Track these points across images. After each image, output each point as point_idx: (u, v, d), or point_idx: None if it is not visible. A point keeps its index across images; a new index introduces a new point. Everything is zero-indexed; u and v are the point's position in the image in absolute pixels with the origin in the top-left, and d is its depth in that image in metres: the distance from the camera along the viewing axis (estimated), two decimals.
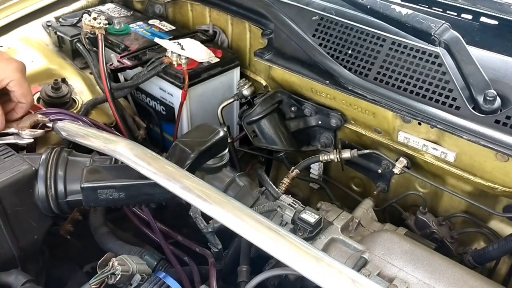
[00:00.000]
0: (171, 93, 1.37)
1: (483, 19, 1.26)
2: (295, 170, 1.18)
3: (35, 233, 1.08)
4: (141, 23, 1.56)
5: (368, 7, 1.10)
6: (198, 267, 1.09)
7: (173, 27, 1.54)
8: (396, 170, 1.13)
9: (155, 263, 1.09)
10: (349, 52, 1.12)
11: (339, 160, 1.19)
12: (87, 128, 1.10)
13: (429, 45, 1.03)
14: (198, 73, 1.34)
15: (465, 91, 0.98)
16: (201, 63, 1.36)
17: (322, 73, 1.14)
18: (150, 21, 1.57)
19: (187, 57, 1.32)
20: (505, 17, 1.23)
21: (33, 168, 1.03)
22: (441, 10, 1.31)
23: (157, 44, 1.39)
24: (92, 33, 1.40)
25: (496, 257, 1.08)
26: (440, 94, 1.00)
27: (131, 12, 1.63)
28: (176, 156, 0.98)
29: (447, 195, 1.16)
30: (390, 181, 1.24)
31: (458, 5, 1.30)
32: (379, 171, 1.20)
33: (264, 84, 1.41)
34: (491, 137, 0.93)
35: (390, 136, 1.14)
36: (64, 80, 1.37)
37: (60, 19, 1.53)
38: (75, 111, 1.35)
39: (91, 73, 1.42)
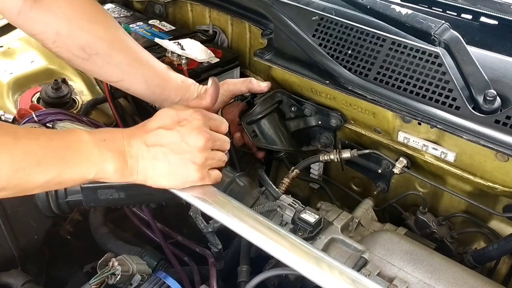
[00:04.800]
0: None
1: (483, 19, 1.26)
2: (295, 170, 1.18)
3: (35, 233, 1.08)
4: (141, 23, 1.56)
5: (368, 7, 1.10)
6: (198, 267, 1.09)
7: (173, 27, 1.54)
8: (396, 170, 1.13)
9: (155, 263, 1.10)
10: (349, 52, 1.12)
11: (339, 160, 1.19)
12: (86, 128, 1.11)
13: (429, 45, 1.03)
14: (198, 73, 1.34)
15: (465, 91, 0.98)
16: (201, 63, 1.36)
17: (322, 73, 1.14)
18: (150, 21, 1.57)
19: (187, 57, 1.32)
20: (505, 17, 1.23)
21: None
22: (441, 10, 1.31)
23: (157, 44, 1.40)
24: None
25: (496, 257, 1.08)
26: (440, 94, 1.00)
27: (131, 12, 1.63)
28: None
29: (447, 195, 1.16)
30: (390, 181, 1.24)
31: (458, 5, 1.29)
32: (379, 171, 1.20)
33: None
34: (491, 137, 0.93)
35: (390, 136, 1.14)
36: (64, 80, 1.37)
37: None
38: (75, 111, 1.35)
39: None
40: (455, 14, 1.30)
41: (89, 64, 1.02)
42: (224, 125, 0.95)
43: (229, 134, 1.27)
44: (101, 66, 1.03)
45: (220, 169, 0.93)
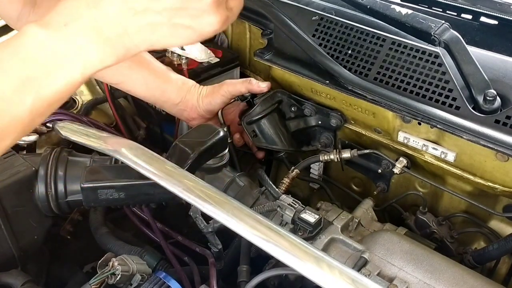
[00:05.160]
0: None
1: (483, 19, 1.26)
2: (295, 170, 1.18)
3: (35, 233, 1.08)
4: None
5: (368, 7, 1.10)
6: (198, 267, 1.09)
7: None
8: (396, 170, 1.13)
9: (155, 263, 1.10)
10: (349, 52, 1.12)
11: (339, 160, 1.19)
12: (87, 128, 1.11)
13: (429, 45, 1.03)
14: (198, 73, 1.34)
15: (465, 91, 0.98)
16: (201, 63, 1.36)
17: (322, 73, 1.14)
18: None
19: (187, 57, 1.32)
20: (505, 17, 1.23)
21: (33, 168, 1.03)
22: (441, 10, 1.31)
23: None
24: None
25: (496, 257, 1.08)
26: (440, 94, 1.00)
27: None
28: (176, 156, 0.98)
29: (447, 195, 1.16)
30: (390, 181, 1.24)
31: (458, 5, 1.29)
32: (379, 171, 1.20)
33: None
34: (491, 137, 0.93)
35: (390, 136, 1.14)
36: None
37: None
38: (75, 111, 1.35)
39: None
40: (455, 14, 1.30)
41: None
42: None
43: (229, 134, 1.28)
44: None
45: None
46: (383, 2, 1.10)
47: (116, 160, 1.03)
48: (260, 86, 1.20)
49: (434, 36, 0.98)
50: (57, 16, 0.62)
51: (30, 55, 0.61)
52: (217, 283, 0.99)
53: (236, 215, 0.84)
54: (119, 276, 0.93)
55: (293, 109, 1.27)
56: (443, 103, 0.99)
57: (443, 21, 1.00)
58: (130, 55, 0.67)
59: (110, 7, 0.62)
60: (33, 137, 1.22)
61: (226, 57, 1.40)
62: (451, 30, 0.99)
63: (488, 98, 0.94)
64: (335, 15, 1.19)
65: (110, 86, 1.33)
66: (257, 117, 1.23)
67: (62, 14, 0.62)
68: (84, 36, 0.62)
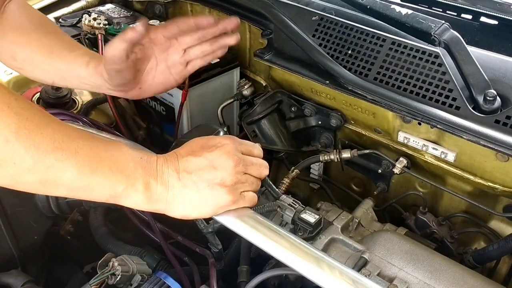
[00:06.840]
0: (171, 93, 1.37)
1: (483, 19, 1.26)
2: (295, 170, 1.18)
3: (35, 233, 1.08)
4: None
5: (368, 7, 1.11)
6: (198, 267, 1.09)
7: None
8: (396, 170, 1.13)
9: (155, 263, 1.10)
10: (349, 52, 1.12)
11: (339, 160, 1.19)
12: (87, 129, 1.11)
13: (429, 45, 1.03)
14: (198, 73, 1.34)
15: (465, 91, 0.98)
16: None
17: (322, 73, 1.14)
18: (150, 21, 1.57)
19: None
20: (505, 17, 1.23)
21: None
22: (441, 10, 1.31)
23: None
24: (92, 33, 1.40)
25: (496, 257, 1.08)
26: (440, 94, 1.00)
27: (131, 13, 1.63)
28: None
29: (447, 195, 1.16)
30: (390, 181, 1.24)
31: (458, 5, 1.30)
32: (379, 171, 1.20)
33: (264, 84, 1.41)
34: (491, 137, 0.93)
35: (390, 136, 1.14)
36: None
37: (60, 20, 1.53)
38: (75, 111, 1.35)
39: None
40: (455, 14, 1.30)
41: (25, 71, 1.06)
42: (257, 149, 0.92)
43: (229, 134, 1.27)
44: (32, 71, 1.05)
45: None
46: (383, 2, 1.10)
47: None
48: (136, 28, 0.94)
49: (434, 36, 0.98)
50: (138, 150, 0.80)
51: (112, 151, 0.76)
52: (217, 283, 0.99)
53: (236, 215, 0.84)
54: (119, 276, 0.93)
55: (293, 109, 1.27)
56: (443, 103, 0.99)
57: (443, 21, 1.00)
58: (154, 206, 0.81)
59: (166, 169, 0.80)
60: None
61: (226, 57, 1.40)
62: (451, 30, 0.99)
63: (488, 98, 0.94)
64: (335, 15, 1.19)
65: None
66: (257, 117, 1.23)
67: (142, 151, 0.81)
68: (144, 172, 0.78)
